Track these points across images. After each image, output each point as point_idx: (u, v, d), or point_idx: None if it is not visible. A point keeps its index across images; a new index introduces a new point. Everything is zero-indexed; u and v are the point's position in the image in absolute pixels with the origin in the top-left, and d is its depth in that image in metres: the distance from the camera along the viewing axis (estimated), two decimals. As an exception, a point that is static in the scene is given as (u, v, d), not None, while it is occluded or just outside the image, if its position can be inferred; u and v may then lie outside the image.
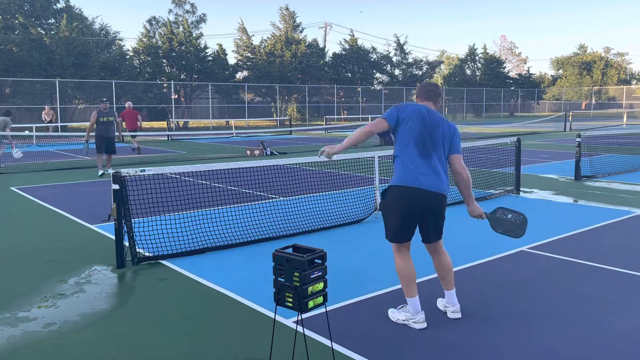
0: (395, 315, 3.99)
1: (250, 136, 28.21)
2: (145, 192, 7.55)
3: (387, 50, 53.01)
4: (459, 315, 4.05)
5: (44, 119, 25.26)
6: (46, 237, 6.64)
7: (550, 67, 75.06)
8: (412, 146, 3.80)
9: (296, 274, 2.89)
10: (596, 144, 18.01)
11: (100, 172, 12.33)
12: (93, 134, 12.48)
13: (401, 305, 4.07)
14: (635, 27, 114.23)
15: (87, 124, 21.60)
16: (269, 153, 17.10)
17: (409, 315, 3.90)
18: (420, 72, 53.17)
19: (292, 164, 7.83)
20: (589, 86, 65.02)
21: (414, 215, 3.83)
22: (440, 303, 4.23)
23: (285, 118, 38.63)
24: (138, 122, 19.14)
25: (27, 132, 21.68)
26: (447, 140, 3.90)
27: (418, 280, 4.84)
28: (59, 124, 26.72)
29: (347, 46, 48.47)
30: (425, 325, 3.87)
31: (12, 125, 18.51)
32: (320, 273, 2.99)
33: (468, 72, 58.03)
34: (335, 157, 7.74)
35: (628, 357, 3.43)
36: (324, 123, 34.42)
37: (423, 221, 3.89)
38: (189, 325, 3.99)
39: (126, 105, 19.77)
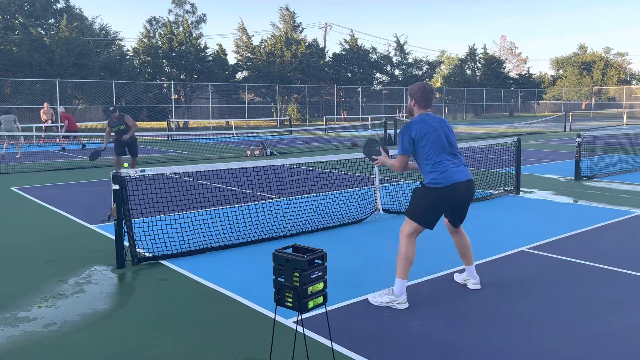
0: (378, 299, 4.26)
1: (250, 136, 28.21)
2: (145, 192, 7.55)
3: (387, 51, 53.13)
4: (479, 286, 4.59)
5: (43, 120, 24.50)
6: (46, 237, 6.64)
7: (550, 67, 75.10)
8: (441, 153, 4.25)
9: (296, 274, 2.89)
10: (596, 144, 18.01)
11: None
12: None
13: (381, 291, 4.35)
14: (636, 27, 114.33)
15: (88, 124, 21.76)
16: (269, 153, 17.10)
17: (392, 297, 4.21)
18: (420, 72, 53.17)
19: (292, 164, 7.83)
20: (589, 86, 65.03)
21: (451, 205, 4.32)
22: (459, 277, 4.76)
23: (285, 118, 38.62)
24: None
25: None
26: (454, 137, 4.44)
27: (419, 280, 4.87)
28: (59, 124, 26.67)
29: (347, 46, 48.47)
30: (407, 305, 4.20)
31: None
32: (320, 273, 2.99)
33: (468, 72, 58.02)
34: (334, 158, 7.76)
35: (628, 357, 3.43)
36: (324, 123, 34.42)
37: (456, 209, 4.41)
38: (189, 325, 3.99)
39: (63, 109, 20.84)
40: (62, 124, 20.38)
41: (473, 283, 4.60)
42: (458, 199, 4.28)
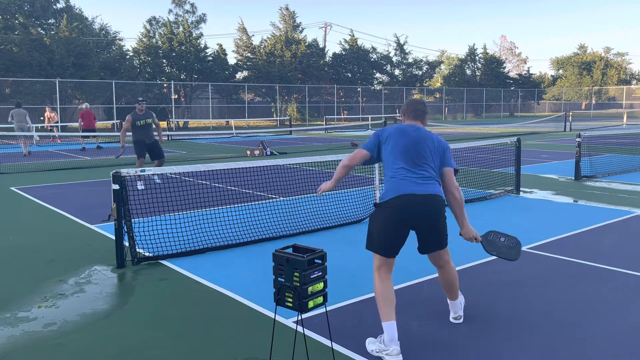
0: (370, 346, 3.56)
1: (250, 136, 28.21)
2: (145, 192, 7.55)
3: (387, 50, 53.10)
4: (460, 321, 3.98)
5: (47, 121, 24.61)
6: (46, 237, 6.63)
7: (550, 67, 75.09)
8: (398, 161, 3.62)
9: (296, 274, 2.89)
10: (596, 144, 18.01)
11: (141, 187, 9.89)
12: (129, 137, 10.54)
13: (381, 335, 3.58)
14: (636, 27, 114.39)
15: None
16: (269, 153, 17.10)
17: (382, 346, 3.45)
18: (420, 72, 53.15)
19: (292, 164, 7.83)
20: (589, 86, 65.01)
21: (403, 224, 3.55)
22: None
23: (285, 118, 38.63)
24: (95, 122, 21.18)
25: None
26: (437, 155, 3.69)
27: (417, 280, 4.86)
28: (59, 124, 26.74)
29: (347, 46, 48.46)
30: (400, 358, 3.38)
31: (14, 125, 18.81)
32: (320, 273, 2.99)
33: (468, 72, 58.01)
34: (334, 158, 7.75)
35: (628, 357, 3.43)
36: (324, 123, 34.41)
37: (417, 229, 3.61)
38: (189, 325, 3.99)
39: (84, 106, 20.96)
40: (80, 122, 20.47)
41: (453, 317, 3.99)
42: (406, 215, 3.51)
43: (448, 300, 4.01)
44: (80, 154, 18.25)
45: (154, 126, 10.66)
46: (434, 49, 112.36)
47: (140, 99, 10.56)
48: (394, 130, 3.74)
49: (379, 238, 3.58)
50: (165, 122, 32.01)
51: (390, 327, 3.44)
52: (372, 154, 3.79)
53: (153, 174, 10.64)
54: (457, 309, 3.99)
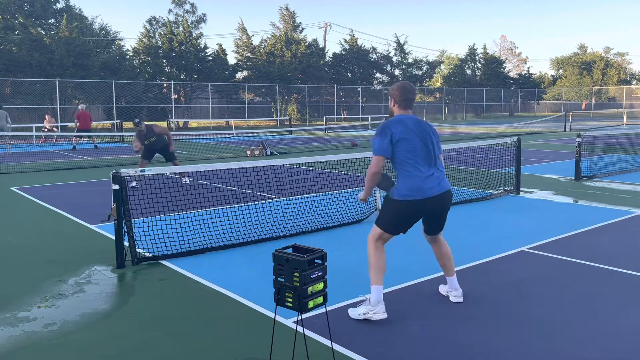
0: (356, 311, 4.04)
1: (250, 136, 28.20)
2: (145, 192, 7.55)
3: (387, 50, 53.07)
4: (461, 299, 4.32)
5: (44, 129, 25.04)
6: (46, 237, 6.63)
7: (550, 67, 75.11)
8: (413, 161, 3.96)
9: (296, 274, 2.89)
10: (596, 144, 18.00)
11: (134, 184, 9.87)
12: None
13: (359, 300, 4.25)
14: (636, 27, 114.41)
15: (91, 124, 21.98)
16: (269, 153, 17.10)
17: (369, 307, 3.99)
18: (420, 72, 53.15)
19: (292, 164, 7.83)
20: (589, 86, 65.01)
21: (419, 217, 4.10)
22: (443, 289, 4.50)
23: (285, 118, 38.63)
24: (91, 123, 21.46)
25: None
26: (436, 141, 4.11)
27: (419, 280, 4.86)
28: (59, 124, 26.75)
29: (347, 46, 48.47)
30: (385, 315, 3.98)
31: (14, 125, 18.90)
32: (320, 273, 2.99)
33: (468, 72, 57.99)
34: (334, 158, 7.74)
35: (628, 357, 3.43)
36: (324, 123, 34.41)
37: (428, 218, 4.16)
38: (189, 325, 3.99)
39: (80, 107, 21.18)
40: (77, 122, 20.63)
41: (455, 296, 4.33)
42: (423, 213, 4.05)
43: (447, 278, 4.35)
44: (79, 154, 18.25)
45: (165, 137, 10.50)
46: (434, 49, 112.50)
47: (136, 120, 10.23)
48: (402, 130, 3.96)
49: (394, 224, 4.05)
50: (165, 122, 32.06)
51: (379, 290, 4.01)
52: (387, 157, 4.03)
53: (177, 175, 11.03)
54: (456, 285, 4.33)
